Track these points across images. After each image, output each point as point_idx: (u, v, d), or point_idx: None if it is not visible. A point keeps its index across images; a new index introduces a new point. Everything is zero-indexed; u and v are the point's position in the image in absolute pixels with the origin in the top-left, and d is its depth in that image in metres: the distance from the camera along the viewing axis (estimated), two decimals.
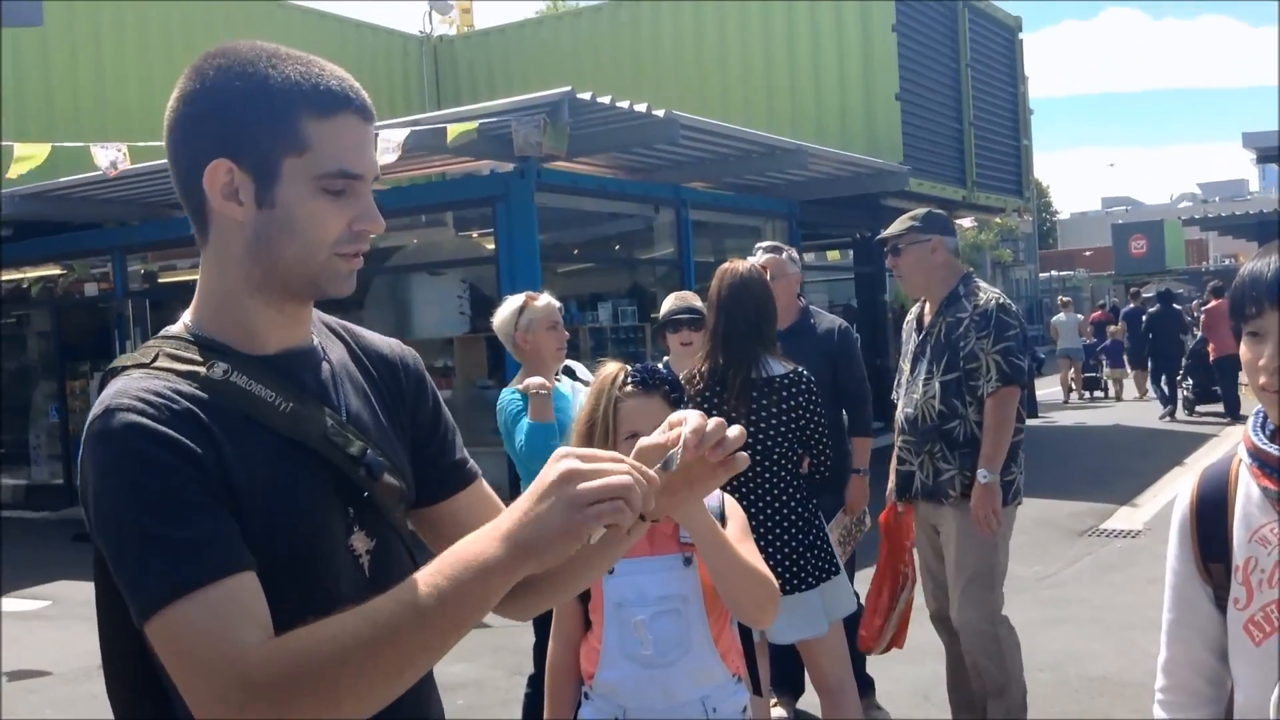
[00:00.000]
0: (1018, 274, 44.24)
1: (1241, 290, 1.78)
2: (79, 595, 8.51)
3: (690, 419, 1.34)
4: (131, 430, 1.29)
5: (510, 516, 1.23)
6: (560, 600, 1.66)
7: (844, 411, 4.97)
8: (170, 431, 1.30)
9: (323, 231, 1.42)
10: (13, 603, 8.63)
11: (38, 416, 13.73)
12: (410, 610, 1.22)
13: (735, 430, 1.37)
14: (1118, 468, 12.20)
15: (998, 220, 16.81)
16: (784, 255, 4.99)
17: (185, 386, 1.36)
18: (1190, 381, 17.29)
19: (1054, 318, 22.26)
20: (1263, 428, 1.81)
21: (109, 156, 8.51)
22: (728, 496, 2.70)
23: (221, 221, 1.43)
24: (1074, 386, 20.97)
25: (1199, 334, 17.77)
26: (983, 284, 4.45)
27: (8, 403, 14.20)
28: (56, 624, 7.81)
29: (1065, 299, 23.25)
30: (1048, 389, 21.62)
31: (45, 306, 13.79)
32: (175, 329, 1.48)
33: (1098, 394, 21.14)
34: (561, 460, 1.22)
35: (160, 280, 12.92)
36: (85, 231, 12.57)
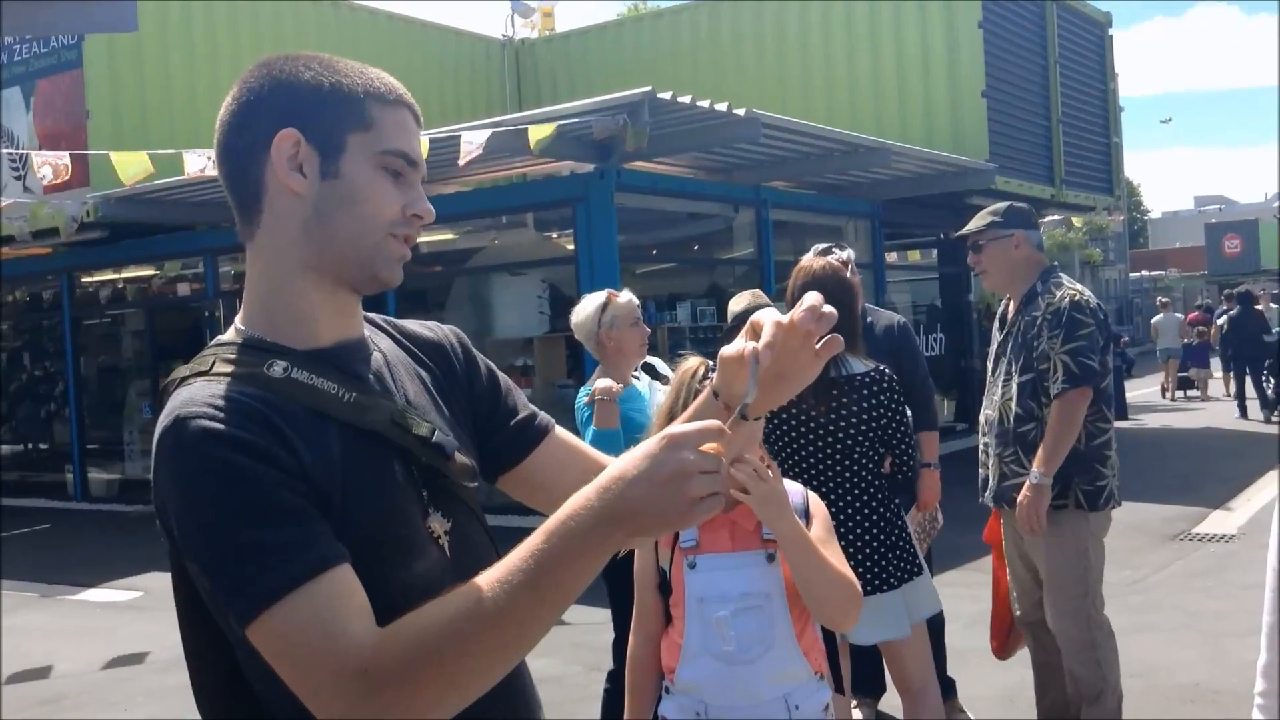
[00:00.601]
0: (1108, 274, 43.35)
1: None
2: (170, 587, 8.71)
3: (770, 318, 1.34)
4: (206, 437, 1.28)
5: (618, 494, 1.22)
6: None
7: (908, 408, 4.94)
8: (245, 434, 1.29)
9: (380, 208, 1.44)
10: (106, 593, 8.87)
11: (132, 414, 14.10)
12: (523, 583, 1.22)
13: (817, 297, 1.40)
14: (1209, 471, 11.90)
15: (1077, 220, 16.50)
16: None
17: (249, 388, 1.35)
18: (1274, 381, 17.26)
19: (1154, 318, 22.64)
20: None
21: (199, 163, 8.73)
22: (812, 494, 2.69)
23: (279, 200, 1.44)
24: (1169, 386, 21.17)
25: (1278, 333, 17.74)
26: (1065, 279, 4.32)
27: (104, 401, 14.61)
28: (149, 614, 7.99)
29: (1164, 300, 23.38)
30: (1137, 390, 21.23)
31: (139, 307, 14.16)
32: (227, 335, 1.48)
33: (1192, 393, 21.24)
34: (675, 450, 1.21)
35: None
36: (178, 234, 12.88)
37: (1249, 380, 17.52)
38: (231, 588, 1.26)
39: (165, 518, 1.33)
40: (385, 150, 1.44)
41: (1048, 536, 4.18)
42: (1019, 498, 4.15)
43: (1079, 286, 4.30)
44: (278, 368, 1.39)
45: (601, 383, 4.13)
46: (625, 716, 2.76)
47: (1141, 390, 21.74)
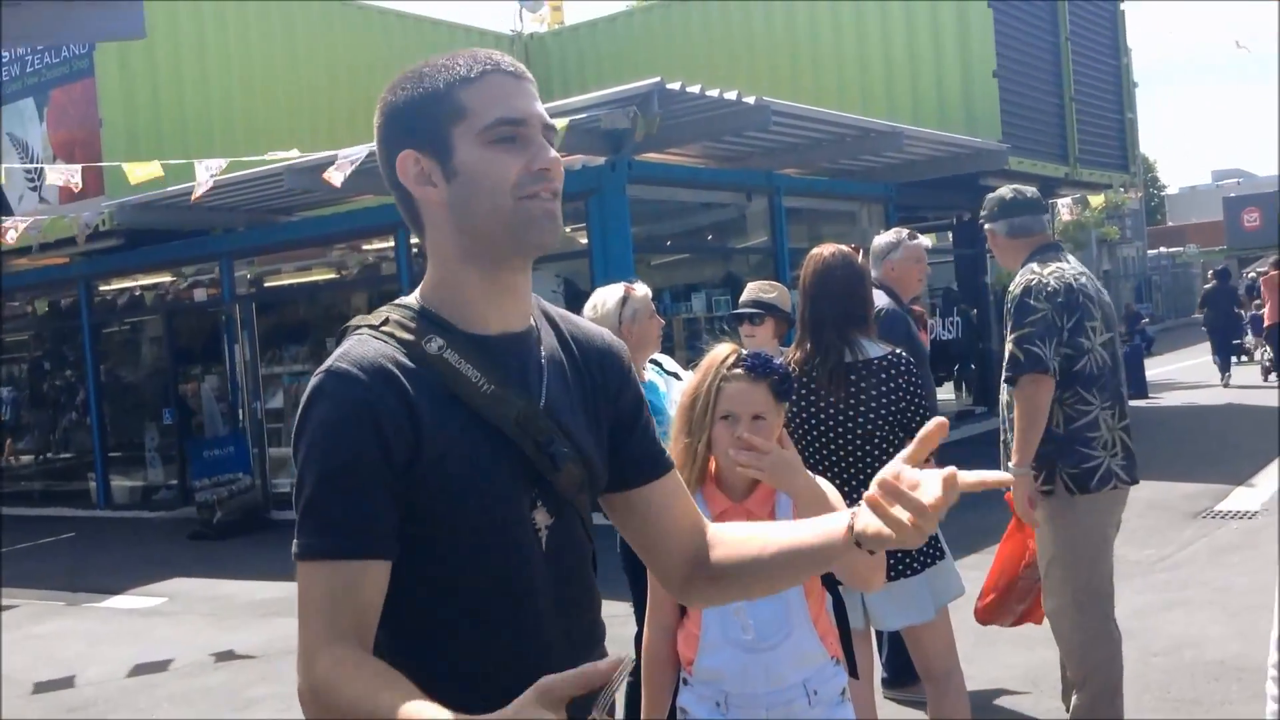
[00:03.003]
0: (1125, 251, 43.06)
1: None
2: (195, 592, 8.77)
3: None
4: (339, 398, 1.47)
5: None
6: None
7: None
8: (371, 405, 1.46)
9: (500, 178, 1.52)
10: (131, 600, 8.91)
11: (153, 420, 14.15)
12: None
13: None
14: (1232, 447, 11.82)
15: (1095, 198, 16.40)
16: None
17: (401, 357, 1.51)
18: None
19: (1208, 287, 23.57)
20: None
21: (209, 176, 8.80)
22: (819, 478, 2.68)
23: (428, 209, 1.58)
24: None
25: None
26: (1033, 266, 4.24)
27: (124, 408, 14.68)
28: (173, 619, 8.03)
29: (1213, 273, 24.13)
30: (1160, 368, 21.12)
31: (157, 312, 14.21)
32: (409, 299, 1.62)
33: (1244, 359, 21.77)
34: (537, 707, 1.27)
35: (266, 284, 13.23)
36: (193, 238, 12.91)
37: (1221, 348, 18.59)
38: (298, 525, 1.48)
39: (297, 437, 1.51)
40: (485, 126, 1.52)
41: (1040, 522, 4.17)
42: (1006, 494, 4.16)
43: (1049, 268, 4.18)
44: (434, 344, 1.53)
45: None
46: (643, 708, 2.76)
47: (1164, 368, 21.61)
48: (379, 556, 1.46)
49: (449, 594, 1.53)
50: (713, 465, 2.64)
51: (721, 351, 2.63)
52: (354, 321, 1.61)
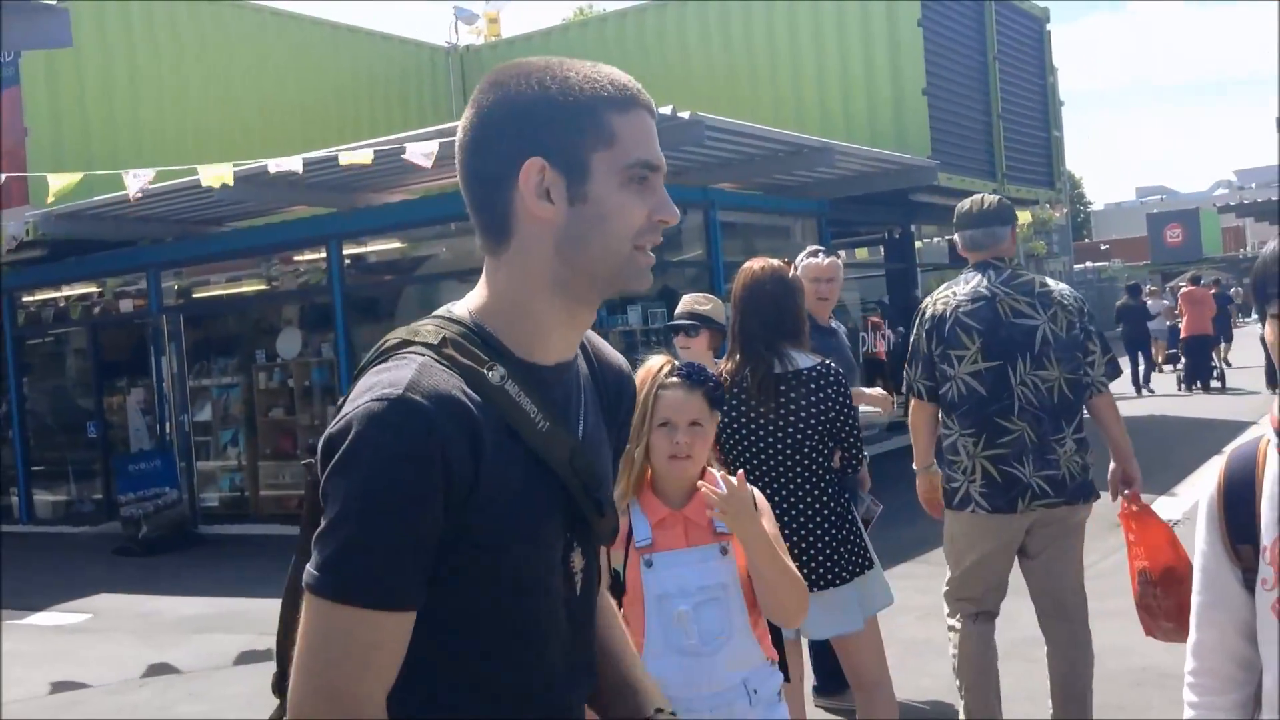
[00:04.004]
0: (1052, 266, 43.82)
1: (1263, 274, 1.76)
2: (120, 608, 8.61)
3: None
4: (406, 434, 1.33)
5: None
6: None
7: None
8: (440, 446, 1.34)
9: (628, 222, 1.45)
10: (54, 616, 8.74)
11: (77, 433, 13.88)
12: None
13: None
14: (1154, 458, 12.02)
15: (1026, 214, 16.67)
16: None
17: (466, 388, 1.40)
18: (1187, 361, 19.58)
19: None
20: None
21: (139, 184, 8.68)
22: (755, 491, 2.72)
23: (529, 224, 1.46)
24: (1159, 363, 22.80)
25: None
26: (940, 288, 4.41)
27: (48, 421, 14.39)
28: (98, 636, 7.88)
29: (1153, 288, 26.24)
30: None
31: (82, 325, 13.96)
32: (459, 313, 1.51)
33: (1174, 367, 22.65)
34: None
35: (195, 296, 13.05)
36: (120, 250, 12.71)
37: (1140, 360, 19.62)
38: (329, 557, 1.34)
39: (332, 448, 1.36)
40: (629, 164, 1.45)
41: None
42: None
43: (945, 293, 4.32)
44: (497, 374, 1.43)
45: None
46: None
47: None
48: (409, 609, 1.38)
49: (475, 629, 1.46)
50: (649, 474, 2.72)
51: (657, 362, 2.75)
52: (401, 335, 1.48)
